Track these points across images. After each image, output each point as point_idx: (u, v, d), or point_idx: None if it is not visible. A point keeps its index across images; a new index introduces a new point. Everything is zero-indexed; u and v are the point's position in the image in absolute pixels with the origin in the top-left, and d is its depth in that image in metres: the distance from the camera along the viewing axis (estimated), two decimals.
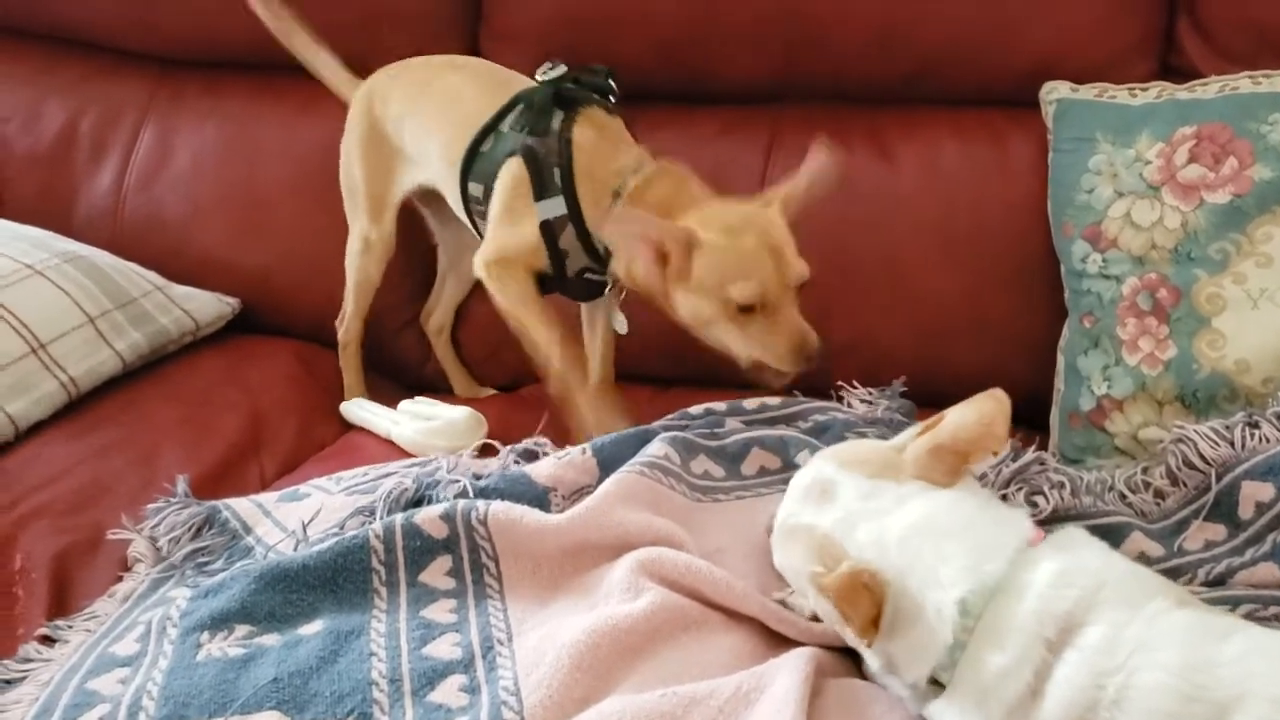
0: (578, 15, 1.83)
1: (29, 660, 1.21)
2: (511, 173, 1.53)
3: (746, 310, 1.39)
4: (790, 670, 1.03)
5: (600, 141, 1.51)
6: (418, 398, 1.75)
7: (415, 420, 1.67)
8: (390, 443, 1.66)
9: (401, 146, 1.72)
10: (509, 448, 1.49)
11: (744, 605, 1.15)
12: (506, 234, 1.54)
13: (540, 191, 1.50)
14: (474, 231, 1.66)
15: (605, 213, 1.47)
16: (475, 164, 1.57)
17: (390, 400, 1.77)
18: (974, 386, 1.57)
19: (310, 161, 1.96)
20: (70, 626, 1.26)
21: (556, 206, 1.49)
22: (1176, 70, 1.68)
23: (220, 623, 1.15)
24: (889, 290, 1.71)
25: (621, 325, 1.62)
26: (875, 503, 1.06)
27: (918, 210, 1.72)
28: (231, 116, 2.03)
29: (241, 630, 1.15)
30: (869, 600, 0.98)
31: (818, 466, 1.14)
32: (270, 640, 1.14)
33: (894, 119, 1.78)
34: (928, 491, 1.06)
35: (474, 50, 1.95)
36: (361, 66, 1.95)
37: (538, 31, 1.89)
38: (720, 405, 1.56)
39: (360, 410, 1.77)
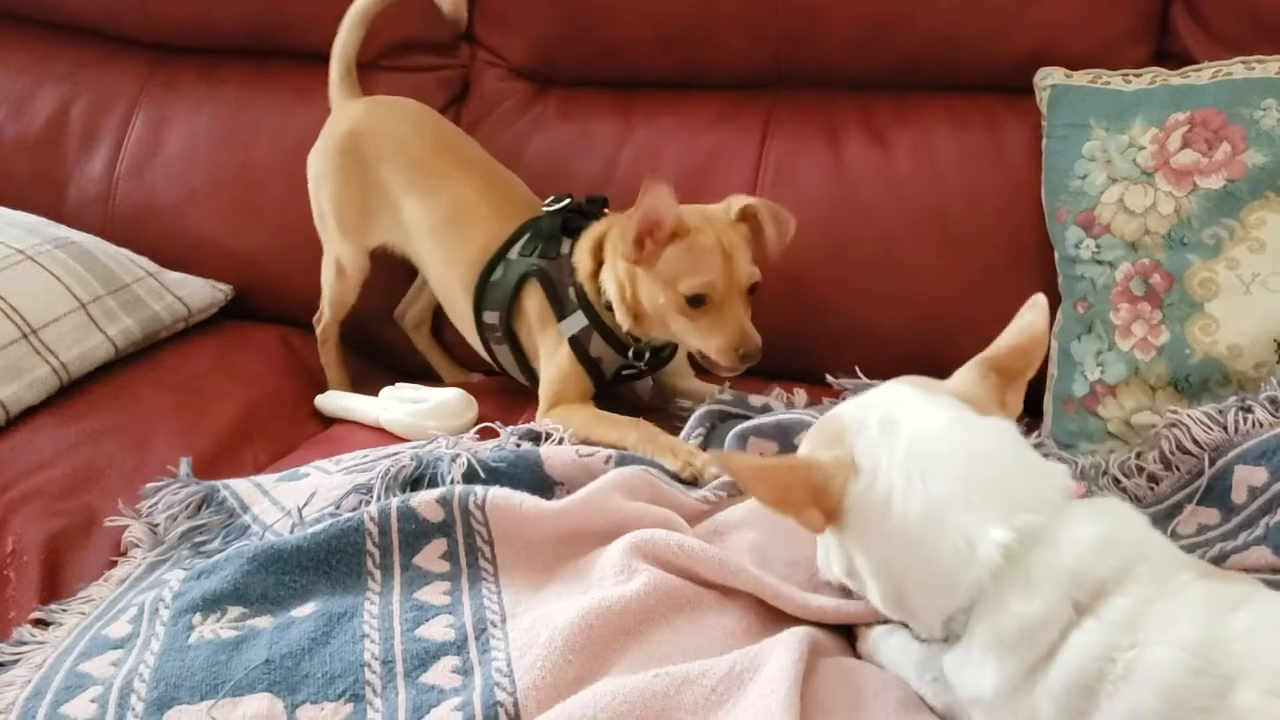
0: (571, 4, 1.83)
1: (23, 643, 1.21)
2: (534, 302, 1.61)
3: (696, 304, 1.47)
4: (784, 649, 1.03)
5: (592, 236, 1.58)
6: (400, 384, 1.73)
7: (403, 404, 1.66)
8: (379, 429, 1.65)
9: (398, 208, 1.72)
10: (510, 429, 1.49)
11: (738, 581, 1.15)
12: (549, 373, 1.60)
13: (560, 311, 1.59)
14: (483, 352, 1.70)
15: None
16: (487, 293, 1.64)
17: (377, 388, 1.76)
18: None
19: (304, 148, 1.94)
20: (65, 610, 1.26)
21: (578, 321, 1.58)
22: (1171, 55, 1.68)
23: (213, 604, 1.15)
24: (884, 276, 1.71)
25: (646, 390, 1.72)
26: (907, 409, 1.03)
27: (912, 196, 1.71)
28: (225, 102, 2.02)
29: (234, 612, 1.15)
30: (778, 482, 1.01)
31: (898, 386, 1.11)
32: (263, 622, 1.13)
33: (889, 105, 1.78)
34: (965, 412, 1.03)
35: (468, 36, 1.95)
36: (354, 53, 1.95)
37: (532, 17, 1.89)
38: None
39: (339, 401, 1.75)
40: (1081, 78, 1.63)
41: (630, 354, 1.59)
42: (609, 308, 1.56)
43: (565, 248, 1.61)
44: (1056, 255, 1.60)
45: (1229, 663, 0.84)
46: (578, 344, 1.58)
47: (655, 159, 1.83)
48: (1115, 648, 0.87)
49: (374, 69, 1.97)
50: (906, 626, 1.11)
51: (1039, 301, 1.12)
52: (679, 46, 1.84)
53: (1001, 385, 1.08)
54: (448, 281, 1.70)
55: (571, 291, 1.58)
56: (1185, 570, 0.93)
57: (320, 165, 1.79)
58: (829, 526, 1.03)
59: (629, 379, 1.65)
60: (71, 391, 1.64)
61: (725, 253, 1.47)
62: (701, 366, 1.60)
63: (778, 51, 1.81)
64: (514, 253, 1.63)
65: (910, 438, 1.00)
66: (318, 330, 1.86)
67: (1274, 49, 1.58)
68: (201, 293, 1.91)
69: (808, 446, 1.09)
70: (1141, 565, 0.91)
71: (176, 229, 2.00)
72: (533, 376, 1.66)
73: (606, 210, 1.66)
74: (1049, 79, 1.65)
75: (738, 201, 1.52)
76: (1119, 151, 1.54)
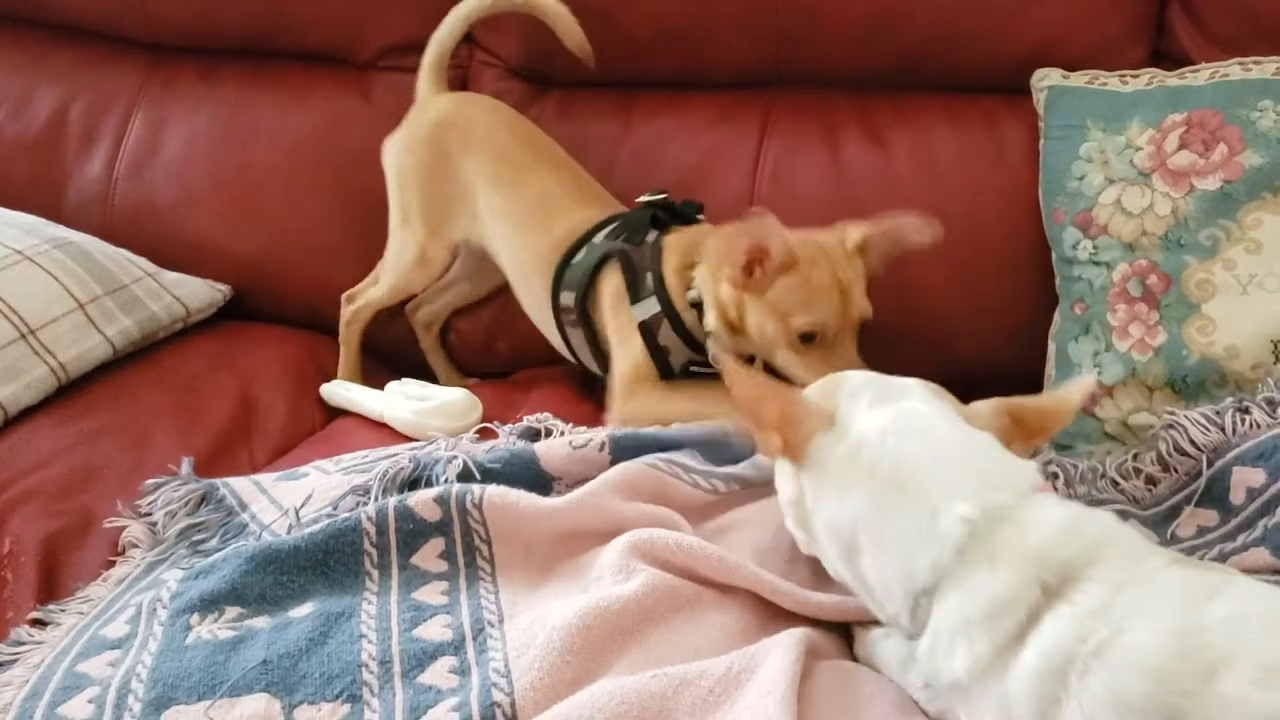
0: (572, 6, 1.82)
1: (20, 643, 1.21)
2: (610, 283, 1.60)
3: (806, 340, 1.46)
4: (781, 651, 1.03)
5: (687, 237, 1.59)
6: (405, 380, 1.73)
7: (409, 401, 1.65)
8: (381, 426, 1.65)
9: (475, 203, 1.72)
10: (509, 427, 1.49)
11: (737, 578, 1.15)
12: (621, 359, 1.59)
13: (634, 295, 1.58)
14: (557, 339, 1.70)
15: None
16: (567, 274, 1.63)
17: (379, 383, 1.76)
18: (966, 371, 1.59)
19: (304, 148, 1.96)
20: (62, 610, 1.26)
21: (650, 307, 1.56)
22: (1169, 56, 1.68)
23: (210, 604, 1.15)
24: (882, 276, 1.71)
25: None
26: (904, 394, 1.07)
27: (910, 197, 1.70)
28: (225, 103, 2.02)
29: (232, 612, 1.15)
30: (759, 393, 1.06)
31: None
32: (260, 622, 1.13)
33: (887, 105, 1.78)
34: (950, 411, 1.06)
35: (466, 36, 1.95)
36: (351, 49, 1.95)
37: (530, 19, 1.88)
38: None
39: (345, 392, 1.74)
40: (1079, 79, 1.64)
41: (702, 343, 1.57)
42: (693, 305, 1.55)
43: (651, 237, 1.60)
44: (1054, 256, 1.60)
45: (1210, 650, 0.84)
46: (647, 330, 1.56)
47: (654, 159, 1.83)
48: (1088, 630, 0.87)
49: (373, 69, 1.98)
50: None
51: (1086, 382, 1.14)
52: (677, 46, 1.84)
53: (1011, 431, 1.07)
54: (527, 266, 1.69)
55: (649, 278, 1.57)
56: (1155, 556, 0.93)
57: (404, 155, 1.77)
58: (791, 462, 1.07)
59: (696, 375, 1.61)
60: (70, 391, 1.64)
61: (842, 289, 1.46)
62: None
63: (776, 51, 1.81)
64: (599, 238, 1.63)
65: (896, 411, 1.04)
66: (349, 310, 1.84)
67: (1271, 50, 1.58)
68: (200, 293, 1.91)
69: (808, 391, 1.13)
70: (1109, 549, 0.92)
71: (175, 229, 1.99)
72: (604, 363, 1.64)
73: (701, 216, 1.66)
74: (1046, 80, 1.65)
75: (854, 233, 1.50)
76: (1116, 152, 1.55)
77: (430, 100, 1.80)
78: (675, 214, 1.65)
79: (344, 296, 1.85)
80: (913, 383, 1.10)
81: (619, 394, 1.58)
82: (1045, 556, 0.91)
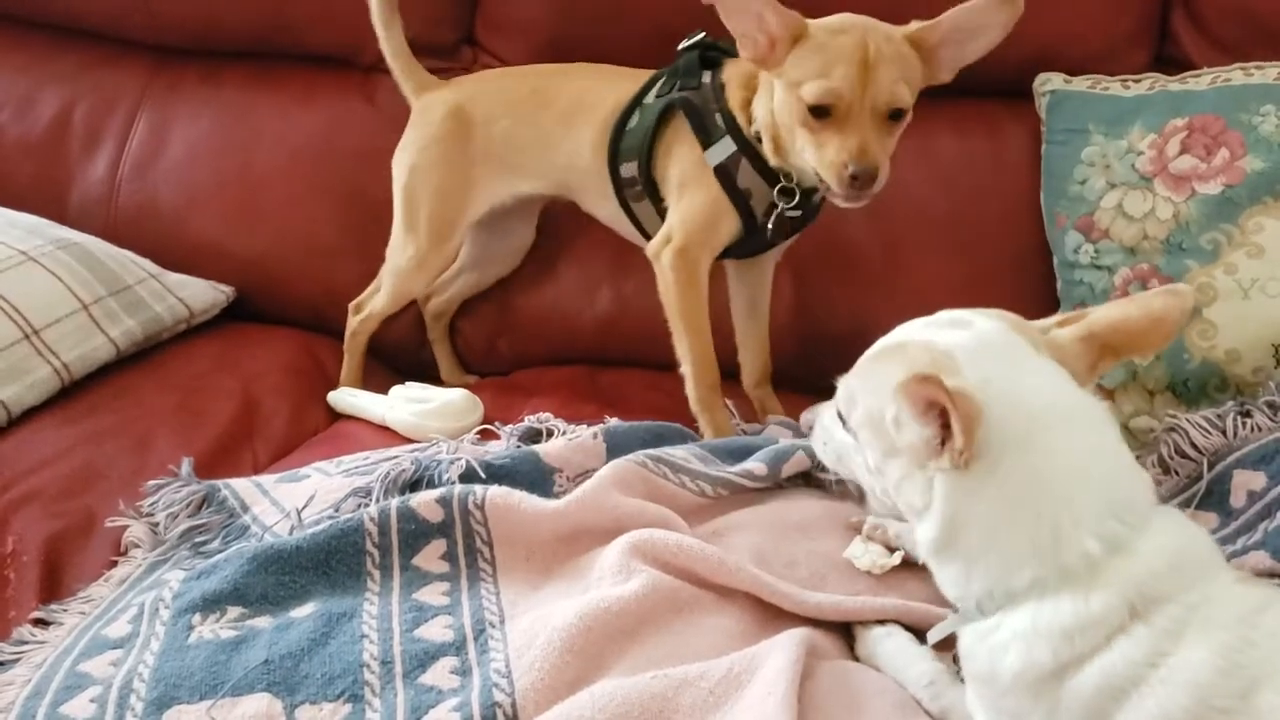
0: (574, 6, 1.83)
1: (23, 642, 1.21)
2: (677, 133, 1.49)
3: (820, 115, 1.33)
4: (782, 651, 1.03)
5: (747, 69, 1.47)
6: (409, 383, 1.74)
7: (409, 404, 1.66)
8: (382, 428, 1.65)
9: (506, 158, 1.67)
10: (510, 428, 1.49)
11: (737, 579, 1.15)
12: (689, 209, 1.48)
13: (706, 139, 1.46)
14: (629, 229, 1.62)
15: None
16: (622, 143, 1.54)
17: (380, 385, 1.77)
18: None
19: (307, 150, 1.96)
20: (65, 609, 1.26)
21: (725, 147, 1.45)
22: (1171, 61, 1.69)
23: (212, 604, 1.15)
24: (885, 278, 1.72)
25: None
26: (1013, 356, 0.97)
27: (914, 200, 1.72)
28: (228, 105, 2.03)
29: (233, 612, 1.15)
30: (974, 413, 0.87)
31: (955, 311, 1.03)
32: (262, 622, 1.14)
33: None
34: (1071, 386, 0.97)
35: (470, 39, 1.96)
36: (355, 52, 1.95)
37: (534, 22, 1.89)
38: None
39: (350, 398, 1.76)
40: (1081, 83, 1.64)
41: (779, 191, 1.44)
42: (759, 139, 1.44)
43: (706, 78, 1.49)
44: (1055, 260, 1.60)
45: (1255, 665, 0.85)
46: (725, 173, 1.45)
47: None
48: (1159, 654, 0.86)
49: (375, 71, 1.98)
50: (905, 628, 1.12)
51: (1182, 291, 1.01)
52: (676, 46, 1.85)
53: (1100, 354, 1.00)
54: (582, 161, 1.59)
55: (719, 118, 1.46)
56: (1225, 571, 0.93)
57: (419, 155, 1.72)
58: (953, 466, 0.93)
59: (780, 228, 1.50)
60: (73, 392, 1.64)
61: (864, 62, 1.30)
62: None
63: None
64: (650, 97, 1.53)
65: (1032, 408, 0.93)
66: (355, 320, 1.83)
67: (1273, 54, 1.59)
68: (203, 294, 1.91)
69: (884, 376, 0.97)
70: (1200, 577, 0.90)
71: (179, 231, 2.00)
72: None
73: None
74: (1048, 84, 1.66)
75: (915, 24, 1.36)
76: (1118, 157, 1.55)
77: (431, 97, 1.76)
78: (724, 51, 1.52)
79: (351, 306, 1.84)
80: (1006, 334, 0.99)
81: (677, 242, 1.48)
82: (1145, 587, 0.89)
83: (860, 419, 1.02)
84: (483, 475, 1.31)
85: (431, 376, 1.91)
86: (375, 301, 1.81)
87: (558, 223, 1.87)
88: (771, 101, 1.41)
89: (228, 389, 1.73)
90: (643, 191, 1.55)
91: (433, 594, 1.18)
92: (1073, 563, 0.90)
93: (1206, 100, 1.54)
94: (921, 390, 0.89)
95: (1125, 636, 0.87)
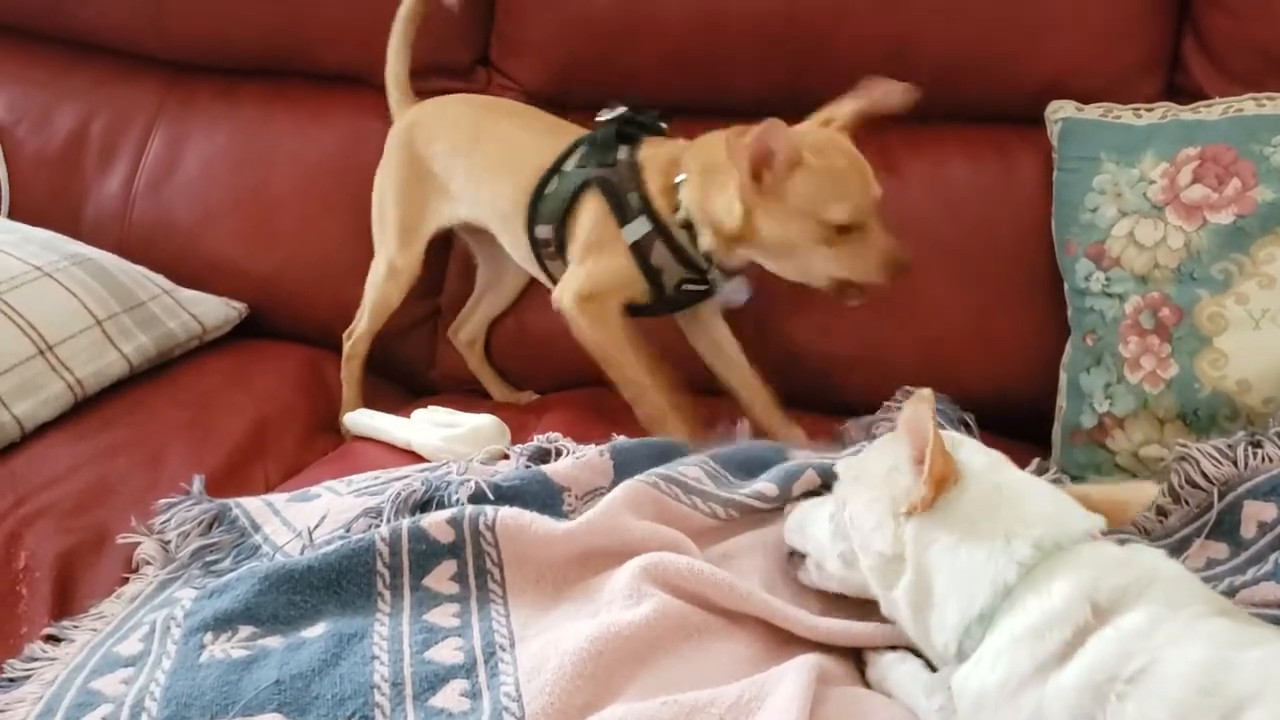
0: (587, 27, 1.84)
1: (34, 659, 1.21)
2: (590, 206, 1.57)
3: (842, 230, 1.42)
4: (792, 678, 1.03)
5: (663, 155, 1.57)
6: (432, 406, 1.73)
7: (437, 428, 1.64)
8: (393, 447, 1.64)
9: (446, 184, 1.74)
10: (519, 448, 1.49)
11: (748, 606, 1.15)
12: (598, 267, 1.56)
13: (622, 217, 1.55)
14: (543, 276, 1.69)
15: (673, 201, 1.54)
16: (540, 206, 1.62)
17: (392, 405, 1.77)
18: (978, 402, 1.59)
19: (321, 168, 1.98)
20: (76, 626, 1.26)
21: (641, 226, 1.54)
22: (1182, 90, 1.69)
23: (224, 624, 1.15)
24: (894, 305, 1.72)
25: (742, 293, 1.64)
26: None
27: (924, 226, 1.72)
28: (243, 122, 2.04)
29: (245, 631, 1.15)
30: (947, 463, 1.03)
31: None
32: (273, 642, 1.14)
33: (901, 135, 1.78)
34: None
35: (484, 60, 1.97)
36: (370, 70, 1.97)
37: (548, 42, 1.90)
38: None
39: (370, 420, 1.74)
40: (1093, 111, 1.65)
41: (695, 269, 1.55)
42: (684, 226, 1.52)
43: (622, 154, 1.57)
44: (1066, 287, 1.60)
45: (1239, 686, 0.85)
46: (639, 250, 1.54)
47: None
48: (1130, 652, 0.90)
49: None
50: (914, 653, 1.12)
51: (1146, 487, 1.15)
52: (690, 74, 1.85)
53: None
54: (503, 209, 1.67)
55: (634, 198, 1.54)
56: (1199, 604, 0.94)
57: (380, 172, 1.82)
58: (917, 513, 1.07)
59: (691, 294, 1.60)
60: (86, 407, 1.65)
61: (859, 169, 1.44)
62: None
63: (790, 80, 1.82)
64: (569, 165, 1.61)
65: (1000, 480, 1.08)
66: (347, 345, 1.85)
67: None
68: (216, 310, 1.92)
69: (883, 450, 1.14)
70: (1155, 586, 0.95)
71: (193, 247, 2.01)
72: None
73: (664, 125, 1.63)
74: (1060, 112, 1.66)
75: (840, 113, 1.48)
76: (1129, 185, 1.55)
77: (408, 111, 1.83)
78: (640, 125, 1.61)
79: (345, 335, 1.86)
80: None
81: (578, 289, 1.56)
82: (1099, 580, 0.95)
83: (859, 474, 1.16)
84: (491, 497, 1.31)
85: (441, 390, 1.91)
86: (360, 323, 1.84)
87: None
88: (719, 202, 1.48)
89: (240, 406, 1.73)
90: (556, 252, 1.62)
91: (443, 615, 1.18)
92: (1026, 556, 0.98)
93: (1218, 130, 1.54)
94: (918, 412, 1.04)
95: (1097, 636, 0.92)
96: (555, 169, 1.62)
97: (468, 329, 1.92)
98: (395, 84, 1.85)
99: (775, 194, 1.43)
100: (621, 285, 1.57)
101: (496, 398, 1.90)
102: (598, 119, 1.64)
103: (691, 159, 1.54)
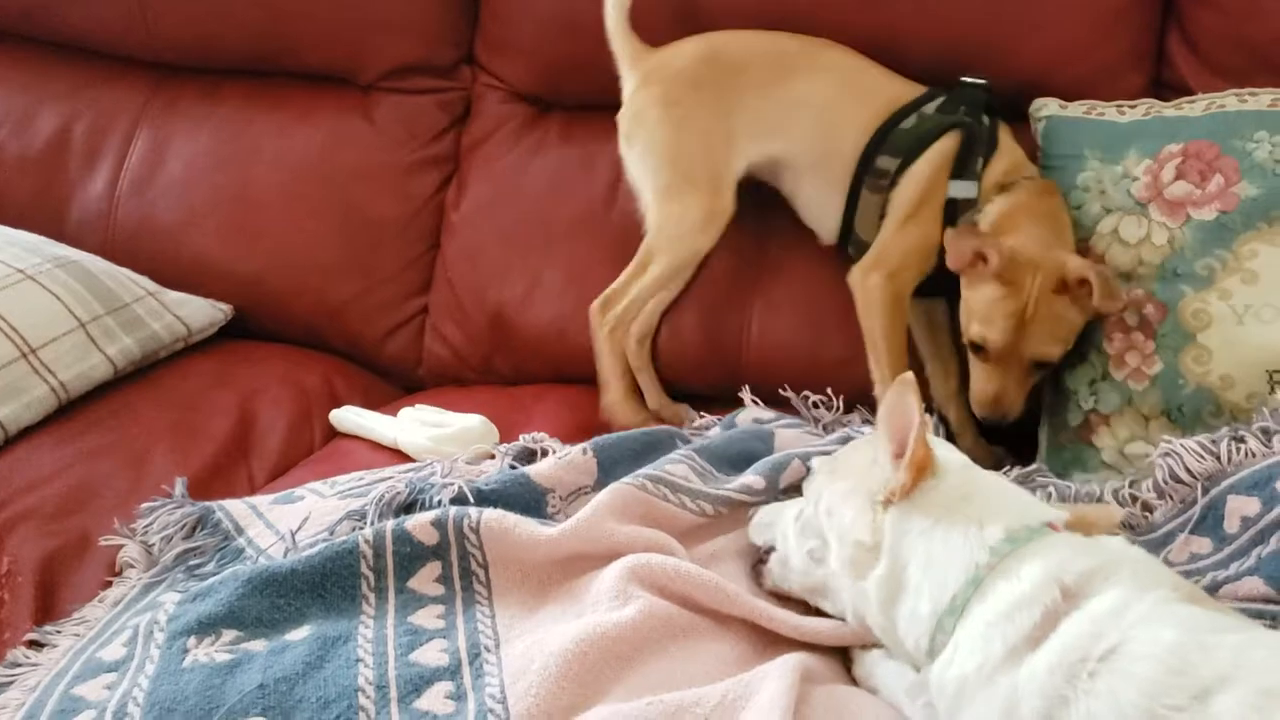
0: (574, 25, 1.84)
1: (16, 665, 1.21)
2: (940, 149, 1.60)
3: (975, 347, 1.51)
4: (777, 677, 1.03)
5: (1014, 162, 1.61)
6: (419, 405, 1.72)
7: (424, 427, 1.63)
8: (379, 446, 1.64)
9: (756, 119, 1.67)
10: (504, 447, 1.49)
11: (733, 607, 1.15)
12: (908, 235, 1.59)
13: (959, 170, 1.58)
14: (833, 225, 1.68)
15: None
16: (890, 138, 1.62)
17: (377, 401, 1.76)
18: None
19: (306, 168, 1.97)
20: (59, 631, 1.26)
21: (968, 189, 1.58)
22: (1167, 85, 1.70)
23: (208, 628, 1.15)
24: None
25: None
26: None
27: None
28: (227, 122, 2.03)
29: (229, 635, 1.15)
30: (927, 451, 1.08)
31: None
32: (257, 646, 1.13)
33: None
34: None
35: (470, 59, 1.96)
36: (354, 70, 1.96)
37: (534, 43, 1.90)
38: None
39: (356, 418, 1.73)
40: (1076, 109, 1.65)
41: None
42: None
43: (987, 120, 1.62)
44: None
45: (1210, 668, 0.87)
46: (952, 209, 1.57)
47: None
48: (1102, 631, 0.92)
49: (375, 90, 1.99)
50: None
51: (1113, 512, 1.26)
52: None
53: None
54: (836, 138, 1.64)
55: (980, 162, 1.58)
56: (1166, 588, 0.96)
57: (665, 113, 1.68)
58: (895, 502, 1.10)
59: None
60: (69, 410, 1.64)
61: (1021, 321, 1.46)
62: None
63: None
64: (929, 108, 1.63)
65: (972, 475, 1.13)
66: (607, 317, 1.68)
67: (1270, 80, 1.59)
68: (201, 312, 1.91)
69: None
70: (1122, 569, 0.98)
71: (177, 248, 2.00)
72: (860, 245, 1.65)
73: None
74: (1044, 110, 1.67)
75: (1074, 268, 1.46)
76: (1113, 182, 1.56)
77: (662, 53, 1.72)
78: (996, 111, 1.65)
79: (593, 308, 1.69)
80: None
81: (883, 276, 1.58)
82: (1066, 564, 0.98)
83: (833, 468, 1.20)
84: (472, 501, 1.30)
85: (424, 387, 1.91)
86: (641, 283, 1.67)
87: (557, 241, 1.88)
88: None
89: (224, 407, 1.73)
90: (888, 186, 1.61)
91: (428, 617, 1.18)
92: (998, 540, 1.02)
93: (1201, 126, 1.55)
94: (902, 398, 1.07)
95: (1068, 619, 0.94)
96: (914, 107, 1.63)
97: (640, 325, 1.77)
98: (623, 37, 1.74)
99: (971, 285, 1.51)
100: (923, 257, 1.59)
101: (650, 404, 1.78)
102: (965, 79, 1.66)
103: (1016, 202, 1.56)
